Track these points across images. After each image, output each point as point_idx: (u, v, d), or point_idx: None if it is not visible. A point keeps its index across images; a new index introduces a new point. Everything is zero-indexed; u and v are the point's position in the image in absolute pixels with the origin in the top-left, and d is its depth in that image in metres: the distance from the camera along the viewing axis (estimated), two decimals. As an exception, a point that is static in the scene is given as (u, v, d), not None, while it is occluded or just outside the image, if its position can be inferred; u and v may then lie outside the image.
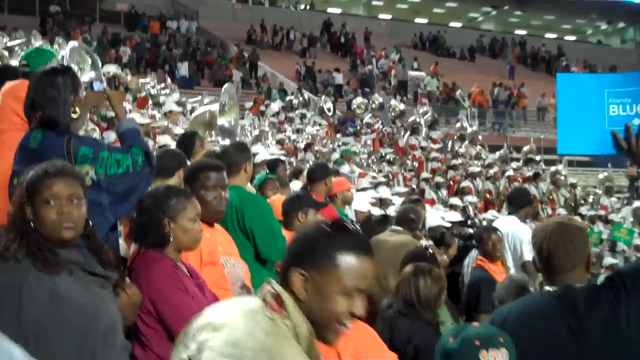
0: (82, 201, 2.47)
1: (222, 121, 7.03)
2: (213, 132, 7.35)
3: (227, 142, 7.48)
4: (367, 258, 1.79)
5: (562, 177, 16.50)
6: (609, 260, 11.26)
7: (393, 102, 21.03)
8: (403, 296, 4.02)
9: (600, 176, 18.98)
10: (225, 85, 7.62)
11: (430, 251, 4.88)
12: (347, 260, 1.76)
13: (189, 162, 4.55)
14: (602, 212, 15.36)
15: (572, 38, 50.80)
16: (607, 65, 40.03)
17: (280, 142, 15.02)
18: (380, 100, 20.84)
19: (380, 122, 19.39)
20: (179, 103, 12.36)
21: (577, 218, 13.56)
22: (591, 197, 17.16)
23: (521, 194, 7.28)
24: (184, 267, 3.03)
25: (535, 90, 31.86)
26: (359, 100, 21.42)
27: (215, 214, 3.51)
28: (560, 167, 17.20)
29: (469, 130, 19.17)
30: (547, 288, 2.66)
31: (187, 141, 5.92)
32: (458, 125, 19.74)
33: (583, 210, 15.34)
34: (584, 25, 52.51)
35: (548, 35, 48.37)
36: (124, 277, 2.81)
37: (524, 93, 30.72)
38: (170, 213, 2.99)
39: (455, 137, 18.64)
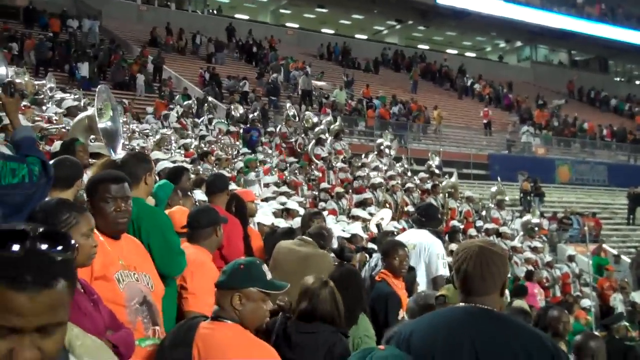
0: None
1: (101, 124, 6.87)
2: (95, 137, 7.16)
3: (120, 150, 7.31)
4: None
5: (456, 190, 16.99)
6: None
7: (308, 113, 21.06)
8: (318, 307, 3.87)
9: (493, 189, 19.39)
10: (98, 87, 7.48)
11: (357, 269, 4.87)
12: None
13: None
14: (493, 225, 15.92)
15: (472, 54, 52.66)
16: (505, 81, 41.83)
17: (185, 147, 14.75)
18: (294, 110, 20.86)
19: (295, 131, 19.47)
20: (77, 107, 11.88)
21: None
22: (484, 211, 17.76)
23: (432, 209, 7.19)
24: (77, 283, 2.94)
25: (435, 105, 32.91)
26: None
27: (115, 226, 3.36)
28: (453, 179, 17.63)
29: (387, 143, 19.64)
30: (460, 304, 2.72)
31: (68, 148, 5.86)
32: (380, 141, 20.06)
33: (478, 222, 15.87)
34: (483, 43, 54.48)
35: (449, 51, 49.90)
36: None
37: (422, 107, 31.54)
38: (61, 228, 2.81)
39: (376, 152, 18.99)
